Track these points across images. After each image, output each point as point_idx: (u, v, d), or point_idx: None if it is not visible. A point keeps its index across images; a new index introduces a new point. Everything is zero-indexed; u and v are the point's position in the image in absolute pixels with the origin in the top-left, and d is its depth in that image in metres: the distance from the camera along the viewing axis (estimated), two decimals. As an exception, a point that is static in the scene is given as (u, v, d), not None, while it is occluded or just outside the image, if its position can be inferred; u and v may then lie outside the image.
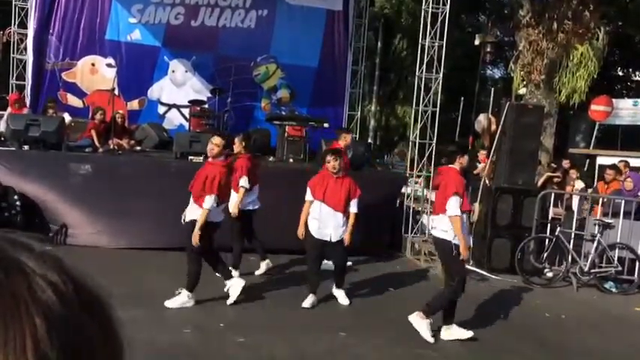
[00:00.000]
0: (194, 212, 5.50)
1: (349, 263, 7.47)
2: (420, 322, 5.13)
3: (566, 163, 10.08)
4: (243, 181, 6.45)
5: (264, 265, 6.88)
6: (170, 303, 5.48)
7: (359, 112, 13.34)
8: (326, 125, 10.54)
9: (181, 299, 5.50)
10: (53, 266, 0.46)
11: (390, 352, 4.95)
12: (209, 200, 5.37)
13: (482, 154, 10.81)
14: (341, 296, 6.09)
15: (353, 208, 5.84)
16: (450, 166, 5.39)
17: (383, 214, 8.68)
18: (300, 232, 5.84)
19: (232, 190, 6.52)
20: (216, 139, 5.61)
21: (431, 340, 5.09)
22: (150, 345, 4.66)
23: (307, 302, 5.87)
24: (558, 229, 7.77)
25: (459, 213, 5.05)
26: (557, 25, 11.74)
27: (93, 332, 0.46)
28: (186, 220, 5.60)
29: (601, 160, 11.35)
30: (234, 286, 5.65)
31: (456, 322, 5.60)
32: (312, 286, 5.95)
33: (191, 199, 5.62)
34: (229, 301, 5.64)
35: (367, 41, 13.86)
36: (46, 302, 0.44)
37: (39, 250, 0.48)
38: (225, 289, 5.70)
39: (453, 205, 5.06)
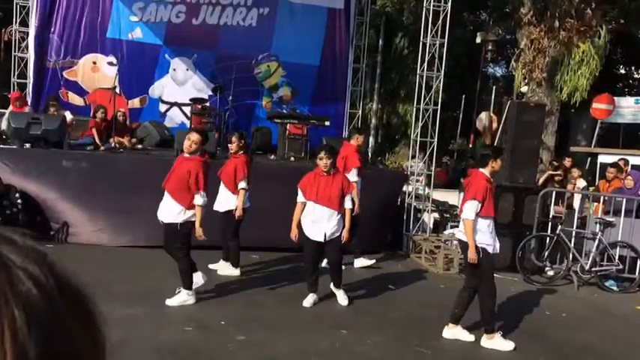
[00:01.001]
0: (173, 211, 5.42)
1: (368, 263, 7.50)
2: (493, 342, 5.12)
3: (567, 162, 10.08)
4: (244, 184, 6.46)
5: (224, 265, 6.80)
6: (171, 301, 5.49)
7: (360, 111, 13.34)
8: (327, 123, 10.55)
9: (181, 298, 5.51)
10: (35, 260, 0.47)
11: (390, 350, 4.95)
12: (201, 198, 5.35)
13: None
14: (340, 295, 6.02)
15: (347, 203, 5.76)
16: (479, 169, 5.30)
17: (384, 213, 8.68)
18: (293, 234, 5.71)
19: (226, 189, 6.49)
20: (195, 136, 5.48)
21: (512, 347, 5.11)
22: (152, 342, 4.68)
23: (307, 301, 5.85)
24: (559, 227, 7.77)
25: (472, 217, 5.04)
26: (559, 23, 11.73)
27: (73, 325, 0.47)
28: (166, 220, 5.48)
29: (602, 159, 11.34)
30: (182, 296, 5.56)
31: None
32: (311, 286, 5.91)
33: (167, 197, 5.50)
34: (172, 302, 5.50)
35: (368, 39, 13.85)
36: (25, 295, 0.44)
37: (22, 244, 0.48)
38: (178, 291, 5.57)
39: (468, 209, 5.08)
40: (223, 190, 6.60)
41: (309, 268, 5.91)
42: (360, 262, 7.52)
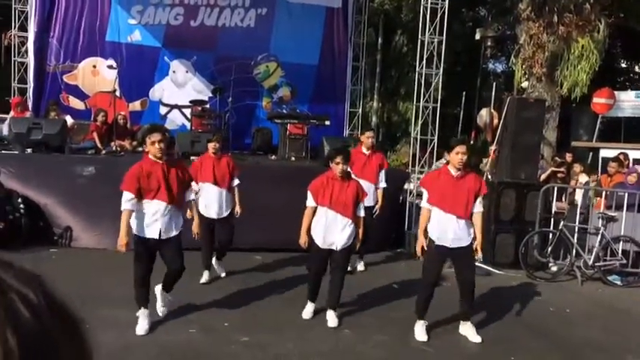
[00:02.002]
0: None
1: (362, 268, 7.49)
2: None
3: (568, 157, 10.06)
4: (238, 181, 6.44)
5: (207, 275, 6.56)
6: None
7: (360, 109, 13.33)
8: (327, 123, 10.56)
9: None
10: (29, 283, 0.49)
11: (394, 350, 4.95)
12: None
13: (492, 149, 10.79)
14: (331, 317, 5.42)
15: (360, 211, 5.41)
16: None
17: (387, 211, 8.68)
18: (303, 240, 5.33)
19: (219, 188, 6.34)
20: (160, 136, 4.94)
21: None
22: (155, 345, 4.68)
23: (307, 312, 5.54)
24: (562, 223, 7.76)
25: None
26: (558, 18, 11.71)
27: (63, 346, 0.49)
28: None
29: (604, 153, 11.31)
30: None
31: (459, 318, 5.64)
32: (313, 296, 5.56)
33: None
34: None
35: (367, 37, 13.85)
36: (18, 317, 0.46)
37: (17, 268, 0.50)
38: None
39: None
40: (217, 192, 6.38)
41: (313, 279, 5.52)
42: (362, 265, 7.53)
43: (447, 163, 5.29)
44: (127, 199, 4.77)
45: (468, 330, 5.27)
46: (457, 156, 5.05)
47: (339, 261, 5.40)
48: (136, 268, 4.97)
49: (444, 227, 5.08)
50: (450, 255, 5.20)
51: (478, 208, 5.15)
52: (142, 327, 4.93)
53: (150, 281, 5.03)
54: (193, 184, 6.08)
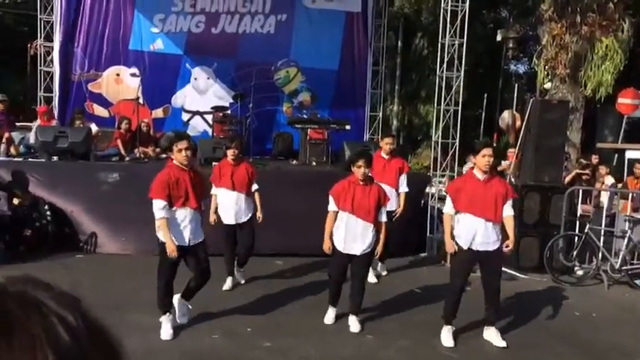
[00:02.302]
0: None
1: (385, 273, 7.47)
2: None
3: (594, 159, 9.90)
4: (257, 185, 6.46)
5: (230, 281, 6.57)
6: None
7: (380, 113, 13.31)
8: (348, 127, 10.56)
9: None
10: (69, 306, 0.51)
11: (417, 355, 4.93)
12: None
13: (510, 151, 10.70)
14: (354, 322, 5.41)
15: (382, 216, 5.35)
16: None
17: (409, 215, 8.64)
18: (327, 246, 5.27)
19: (238, 193, 6.32)
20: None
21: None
22: (179, 350, 4.73)
23: (329, 317, 5.54)
24: (587, 226, 7.63)
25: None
26: (581, 18, 11.55)
27: None
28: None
29: (630, 155, 11.09)
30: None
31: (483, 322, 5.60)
32: (334, 301, 5.54)
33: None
34: None
35: (387, 41, 13.83)
36: (58, 341, 0.47)
37: (57, 290, 0.52)
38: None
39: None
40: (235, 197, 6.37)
41: (334, 285, 5.51)
42: (383, 269, 7.48)
43: (472, 167, 5.26)
44: (160, 207, 4.79)
45: (492, 335, 5.22)
46: (484, 159, 5.02)
47: (360, 266, 5.36)
48: (162, 275, 5.00)
49: (473, 231, 5.05)
50: (478, 259, 5.17)
51: (509, 211, 5.12)
52: (166, 332, 4.99)
53: (173, 287, 5.07)
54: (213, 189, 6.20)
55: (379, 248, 5.42)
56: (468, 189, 5.09)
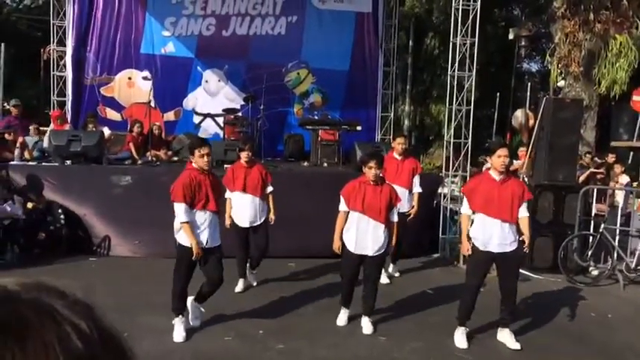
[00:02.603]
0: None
1: (397, 274, 7.44)
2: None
3: (610, 158, 9.78)
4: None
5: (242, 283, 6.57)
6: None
7: (392, 113, 13.26)
8: (359, 128, 10.53)
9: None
10: (82, 314, 0.51)
11: (430, 356, 4.89)
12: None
13: (521, 150, 10.61)
14: (366, 324, 5.41)
15: (394, 217, 5.35)
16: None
17: (421, 216, 8.60)
18: (337, 245, 5.29)
19: (252, 196, 6.32)
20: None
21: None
22: (192, 352, 4.74)
23: (342, 319, 5.53)
24: (602, 225, 7.54)
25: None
26: (594, 16, 11.43)
27: None
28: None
29: (646, 152, 10.97)
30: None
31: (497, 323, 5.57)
32: (346, 302, 5.54)
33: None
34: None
35: (399, 41, 13.78)
36: (71, 348, 0.48)
37: (72, 298, 0.52)
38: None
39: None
40: (249, 200, 6.37)
41: (347, 286, 5.47)
42: (395, 271, 7.45)
43: (489, 168, 5.22)
44: (183, 210, 4.85)
45: (506, 337, 5.18)
46: (499, 159, 4.99)
47: (372, 267, 5.34)
48: (178, 279, 5.03)
49: (490, 232, 5.03)
50: (495, 260, 5.14)
51: (524, 213, 5.09)
52: (178, 334, 5.01)
53: (187, 291, 5.10)
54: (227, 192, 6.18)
55: (390, 249, 5.44)
56: (484, 189, 5.06)
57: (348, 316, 5.56)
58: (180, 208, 4.85)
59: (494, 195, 5.00)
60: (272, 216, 6.40)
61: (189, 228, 4.84)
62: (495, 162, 5.01)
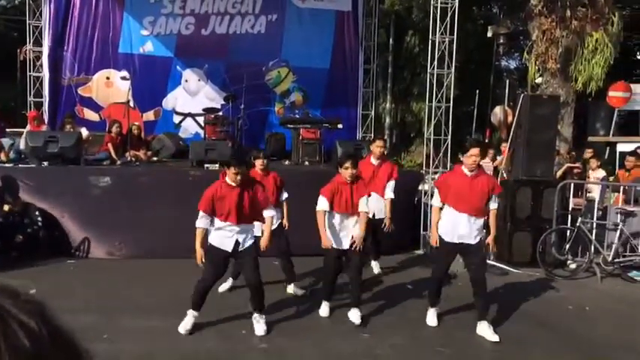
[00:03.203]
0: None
1: (377, 271, 7.40)
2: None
3: (587, 153, 9.91)
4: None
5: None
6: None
7: (373, 111, 13.31)
8: (340, 126, 10.55)
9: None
10: (32, 312, 0.51)
11: (411, 352, 4.93)
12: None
13: (504, 146, 10.72)
14: (355, 316, 5.53)
15: (364, 207, 5.57)
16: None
17: (402, 212, 8.64)
18: (327, 243, 5.48)
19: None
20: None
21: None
22: (175, 353, 4.72)
23: (324, 310, 5.72)
24: (579, 219, 7.66)
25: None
26: (571, 13, 11.58)
27: None
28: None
29: (621, 147, 11.16)
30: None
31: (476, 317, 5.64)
32: (328, 296, 5.75)
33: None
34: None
35: (379, 39, 13.83)
36: (18, 345, 0.48)
37: (23, 297, 0.52)
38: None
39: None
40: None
41: (330, 280, 5.70)
42: (377, 267, 7.45)
43: (462, 163, 5.36)
44: (199, 216, 5.13)
45: (485, 329, 5.24)
46: (470, 159, 5.27)
47: (355, 259, 5.53)
48: (205, 273, 5.19)
49: (456, 224, 5.29)
50: (459, 251, 5.40)
51: (493, 205, 5.37)
52: (184, 326, 5.12)
53: (209, 291, 5.26)
54: None
55: (358, 238, 5.49)
56: (456, 184, 5.32)
57: (330, 308, 5.75)
58: (199, 215, 5.14)
59: (465, 190, 5.25)
60: (285, 222, 6.34)
61: (200, 234, 5.10)
62: (467, 160, 5.29)
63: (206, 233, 5.21)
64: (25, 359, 0.48)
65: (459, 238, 5.29)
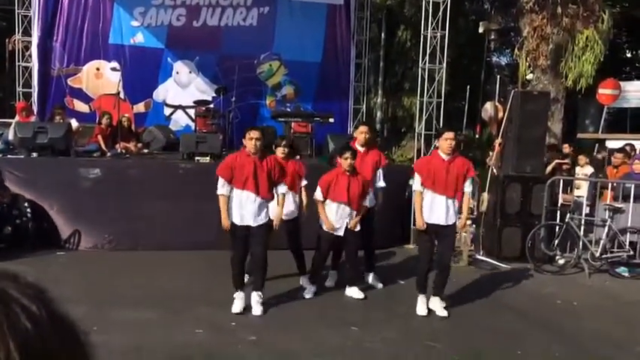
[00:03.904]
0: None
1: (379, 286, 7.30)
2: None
3: (565, 147, 9.97)
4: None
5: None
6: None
7: (364, 105, 13.31)
8: (331, 120, 10.56)
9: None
10: (32, 296, 0.52)
11: (401, 345, 4.96)
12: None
13: (496, 142, 10.76)
14: (355, 292, 6.12)
15: (366, 202, 6.05)
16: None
17: (392, 207, 8.66)
18: (330, 226, 5.87)
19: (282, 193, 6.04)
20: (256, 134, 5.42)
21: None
22: (164, 346, 4.71)
23: (309, 292, 6.09)
24: (568, 215, 7.72)
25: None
26: (561, 10, 11.64)
27: (62, 355, 0.52)
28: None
29: (610, 144, 11.25)
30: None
31: (467, 311, 5.71)
32: (315, 279, 6.17)
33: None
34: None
35: (371, 33, 13.81)
36: (20, 327, 0.49)
37: (22, 281, 0.54)
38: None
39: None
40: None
41: (322, 262, 6.12)
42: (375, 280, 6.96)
43: (437, 148, 5.71)
44: (221, 184, 5.36)
45: (436, 304, 5.59)
46: (446, 142, 5.53)
47: (351, 239, 5.96)
48: (232, 251, 5.50)
49: (435, 207, 5.54)
50: (435, 231, 5.61)
51: (468, 188, 5.65)
52: (236, 307, 5.41)
53: (245, 267, 5.55)
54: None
55: (352, 223, 5.93)
56: (433, 168, 5.55)
57: (314, 291, 6.11)
58: (219, 183, 5.36)
59: (443, 174, 5.49)
60: (304, 210, 6.37)
61: (224, 201, 5.33)
62: (442, 144, 5.55)
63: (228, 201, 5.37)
64: (26, 341, 0.49)
65: (436, 220, 5.54)
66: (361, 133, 6.72)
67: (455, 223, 5.65)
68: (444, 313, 5.57)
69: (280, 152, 6.29)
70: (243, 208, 5.34)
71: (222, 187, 5.35)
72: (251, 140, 5.31)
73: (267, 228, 5.45)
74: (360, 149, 6.63)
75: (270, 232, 5.56)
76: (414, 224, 8.93)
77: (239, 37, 12.18)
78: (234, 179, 5.30)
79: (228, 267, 6.71)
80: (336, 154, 6.31)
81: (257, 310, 5.44)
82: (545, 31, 11.72)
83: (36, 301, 0.52)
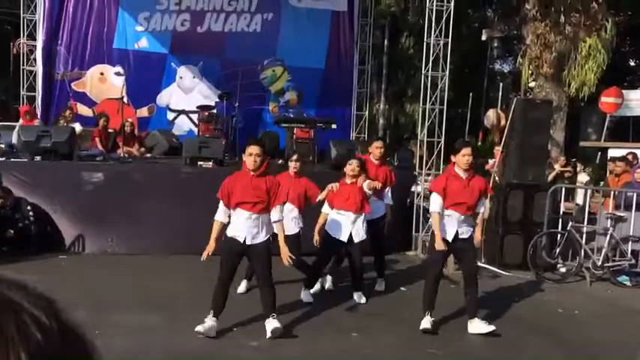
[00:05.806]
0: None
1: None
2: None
3: (561, 160, 9.97)
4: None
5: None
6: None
7: (367, 112, 13.34)
8: (334, 126, 10.56)
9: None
10: (42, 306, 0.52)
11: (402, 352, 4.96)
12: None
13: (497, 150, 10.78)
14: (359, 297, 6.20)
15: (367, 208, 6.13)
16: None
17: (395, 214, 8.66)
18: (318, 239, 5.97)
19: (293, 206, 6.09)
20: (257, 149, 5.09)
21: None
22: (165, 350, 4.71)
23: (306, 296, 6.09)
24: (570, 223, 7.72)
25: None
26: (565, 18, 11.69)
27: None
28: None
29: (612, 153, 11.24)
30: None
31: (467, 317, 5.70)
32: (312, 283, 6.18)
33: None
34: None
35: (374, 40, 13.86)
36: (30, 338, 0.49)
37: (32, 291, 0.54)
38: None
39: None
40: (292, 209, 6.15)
41: (322, 262, 6.17)
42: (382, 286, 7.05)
43: (454, 163, 5.39)
44: (220, 209, 5.10)
45: (477, 325, 5.29)
46: (464, 158, 5.32)
47: (355, 246, 6.00)
48: (220, 268, 5.11)
49: (451, 224, 5.38)
50: (452, 248, 5.45)
51: (482, 209, 5.59)
52: (201, 329, 4.91)
53: (229, 289, 5.14)
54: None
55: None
56: (453, 187, 5.36)
57: (311, 294, 6.14)
58: (219, 205, 5.13)
59: (462, 192, 5.33)
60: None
61: (216, 227, 5.08)
62: (460, 160, 5.32)
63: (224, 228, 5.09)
64: (37, 352, 0.49)
65: (452, 236, 5.38)
66: (377, 148, 6.98)
67: (471, 236, 5.43)
68: (491, 328, 5.24)
69: (292, 167, 6.28)
70: (238, 226, 5.05)
71: (219, 212, 5.08)
72: (250, 156, 5.00)
73: (266, 246, 5.09)
74: (375, 162, 6.95)
75: (270, 251, 5.14)
76: (417, 231, 8.99)
77: (243, 43, 12.23)
78: (232, 196, 5.01)
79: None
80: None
81: (273, 328, 5.01)
82: (548, 39, 11.76)
83: (46, 312, 0.52)
